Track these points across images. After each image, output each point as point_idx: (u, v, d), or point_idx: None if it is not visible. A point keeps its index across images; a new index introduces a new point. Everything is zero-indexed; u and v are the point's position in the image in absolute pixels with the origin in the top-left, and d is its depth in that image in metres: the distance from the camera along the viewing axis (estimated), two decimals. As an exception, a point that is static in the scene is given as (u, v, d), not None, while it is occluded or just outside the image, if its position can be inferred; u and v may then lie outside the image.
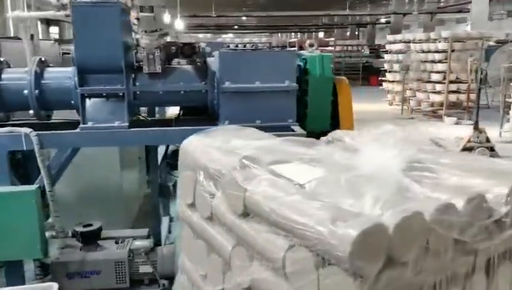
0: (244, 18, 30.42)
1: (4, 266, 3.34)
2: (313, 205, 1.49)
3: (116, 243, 3.66)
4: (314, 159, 1.94)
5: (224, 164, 1.93)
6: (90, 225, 3.59)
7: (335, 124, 3.58)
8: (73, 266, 3.46)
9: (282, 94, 3.31)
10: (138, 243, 3.67)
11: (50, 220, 3.39)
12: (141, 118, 3.87)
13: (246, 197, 1.74)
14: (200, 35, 40.98)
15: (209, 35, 41.10)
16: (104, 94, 3.29)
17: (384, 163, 1.77)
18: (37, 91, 3.25)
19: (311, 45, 3.72)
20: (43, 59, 3.39)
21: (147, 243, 3.68)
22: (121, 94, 3.28)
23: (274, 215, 1.58)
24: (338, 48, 24.29)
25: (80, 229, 3.52)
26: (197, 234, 2.19)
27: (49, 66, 3.48)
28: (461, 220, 1.52)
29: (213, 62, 3.37)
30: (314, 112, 3.52)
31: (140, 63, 3.31)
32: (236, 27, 35.70)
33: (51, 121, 3.60)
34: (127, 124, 3.27)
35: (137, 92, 3.35)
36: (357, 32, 32.57)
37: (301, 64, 3.57)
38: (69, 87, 3.29)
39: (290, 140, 2.21)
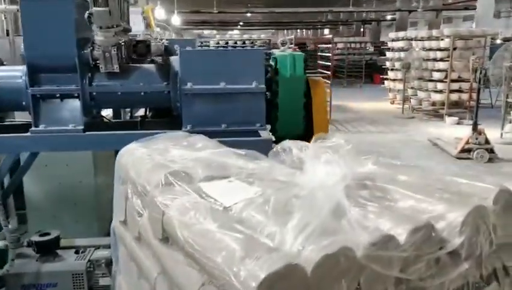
0: (248, 14, 30.09)
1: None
2: (227, 237, 1.26)
3: (77, 253, 3.44)
4: (253, 174, 1.70)
5: (151, 179, 1.69)
6: (47, 234, 3.38)
7: (309, 128, 3.34)
8: (27, 278, 3.25)
9: (249, 96, 3.08)
10: (100, 253, 3.45)
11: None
12: (105, 120, 3.65)
13: (164, 220, 1.51)
14: (206, 32, 40.65)
15: (214, 31, 40.80)
16: (58, 95, 3.07)
17: (327, 181, 1.53)
18: (-15, 92, 3.04)
19: (283, 43, 3.46)
20: (-6, 57, 3.18)
21: (108, 253, 3.45)
22: (75, 95, 3.06)
23: (187, 246, 1.35)
24: (341, 46, 23.90)
25: (35, 238, 3.31)
26: (129, 255, 1.96)
27: (2, 64, 3.27)
28: (403, 254, 1.28)
29: (176, 61, 3.14)
30: (285, 115, 3.28)
31: (97, 62, 3.08)
32: (242, 23, 35.38)
33: (7, 123, 3.40)
34: (81, 127, 3.06)
35: (94, 93, 3.12)
36: (362, 29, 32.12)
37: (272, 64, 3.32)
38: (19, 87, 3.07)
39: (233, 152, 1.97)
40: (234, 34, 41.32)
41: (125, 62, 3.20)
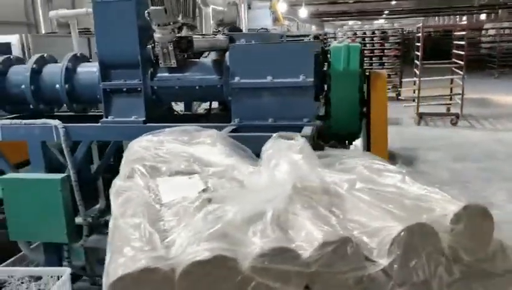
0: (393, 2, 28.68)
1: (43, 245, 3.65)
2: (131, 234, 1.28)
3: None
4: (215, 173, 1.68)
5: (122, 171, 1.78)
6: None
7: (366, 125, 3.12)
8: (102, 253, 3.62)
9: (296, 90, 2.98)
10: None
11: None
12: (175, 113, 3.86)
13: (112, 210, 1.58)
14: (350, 22, 39.82)
15: (350, 22, 39.73)
16: (124, 89, 3.34)
17: (272, 185, 1.44)
18: (67, 86, 3.45)
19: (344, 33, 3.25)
20: (78, 54, 3.58)
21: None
22: (138, 89, 3.30)
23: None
24: (493, 32, 21.45)
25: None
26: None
27: (88, 61, 3.67)
28: (305, 270, 1.16)
29: (228, 56, 3.19)
30: (337, 112, 3.10)
31: (158, 58, 3.27)
32: (387, 12, 33.86)
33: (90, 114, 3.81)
34: (142, 118, 3.29)
35: (155, 87, 3.33)
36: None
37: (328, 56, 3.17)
38: (95, 82, 3.41)
39: (228, 150, 1.96)
40: (377, 24, 39.73)
41: (186, 57, 3.34)
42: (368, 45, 13.43)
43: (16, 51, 4.68)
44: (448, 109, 11.62)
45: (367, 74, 3.22)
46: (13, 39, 4.82)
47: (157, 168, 1.73)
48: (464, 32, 11.58)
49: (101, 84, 3.33)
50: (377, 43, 13.95)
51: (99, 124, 3.35)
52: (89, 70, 3.50)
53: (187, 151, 1.91)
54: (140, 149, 2.00)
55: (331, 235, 1.18)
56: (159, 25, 3.11)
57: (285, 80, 2.98)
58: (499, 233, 1.28)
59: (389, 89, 12.60)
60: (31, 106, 3.62)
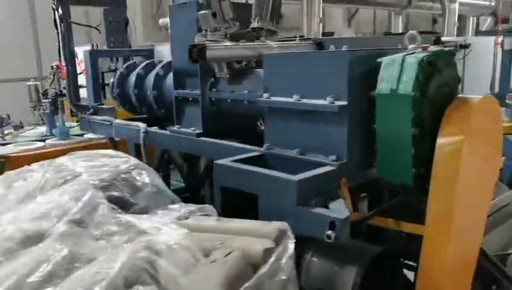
0: None
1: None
2: None
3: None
4: None
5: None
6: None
7: (423, 177, 2.04)
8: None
9: (324, 116, 2.21)
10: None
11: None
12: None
13: None
14: None
15: None
16: (190, 98, 3.17)
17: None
18: (155, 92, 3.51)
19: (411, 39, 2.12)
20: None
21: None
22: (199, 100, 3.09)
23: None
24: None
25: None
26: None
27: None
28: None
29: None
30: (384, 151, 2.12)
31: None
32: None
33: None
34: (199, 131, 3.06)
35: (213, 99, 3.04)
36: None
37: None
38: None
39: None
40: None
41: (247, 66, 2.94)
42: None
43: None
44: None
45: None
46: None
47: None
48: None
49: (174, 92, 3.27)
50: None
51: (167, 132, 3.30)
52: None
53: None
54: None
55: None
56: (206, 31, 2.83)
57: (310, 101, 2.25)
58: None
59: None
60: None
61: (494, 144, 2.20)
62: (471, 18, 12.41)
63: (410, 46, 2.16)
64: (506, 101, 6.97)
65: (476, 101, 2.06)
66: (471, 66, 8.48)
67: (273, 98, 2.42)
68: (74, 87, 4.27)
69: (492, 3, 11.54)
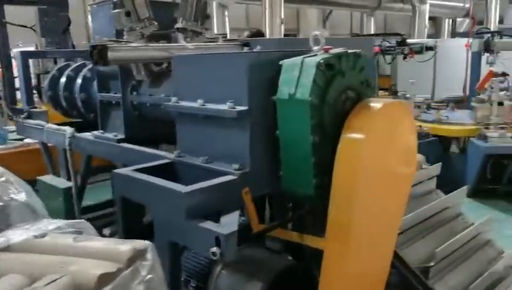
0: None
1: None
2: None
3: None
4: None
5: None
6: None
7: (326, 187, 1.90)
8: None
9: (225, 122, 2.07)
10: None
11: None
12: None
13: None
14: None
15: None
16: (114, 102, 3.02)
17: None
18: (82, 95, 3.37)
19: (315, 40, 1.99)
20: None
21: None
22: (120, 103, 2.94)
23: None
24: None
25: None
26: None
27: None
28: None
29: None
30: (287, 160, 1.99)
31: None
32: None
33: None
34: (121, 136, 2.91)
35: (134, 102, 2.89)
36: None
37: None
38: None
39: None
40: None
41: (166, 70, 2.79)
42: None
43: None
44: None
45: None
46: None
47: None
48: None
49: (98, 95, 3.11)
50: None
51: (91, 137, 3.14)
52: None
53: None
54: None
55: None
56: (122, 30, 2.68)
57: (213, 106, 2.11)
58: None
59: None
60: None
61: (405, 153, 2.07)
62: (446, 20, 12.40)
63: (315, 48, 2.03)
64: (472, 104, 6.90)
65: (380, 105, 1.93)
66: (443, 68, 8.42)
67: (181, 103, 2.27)
68: (10, 89, 4.10)
69: (467, 5, 11.52)
